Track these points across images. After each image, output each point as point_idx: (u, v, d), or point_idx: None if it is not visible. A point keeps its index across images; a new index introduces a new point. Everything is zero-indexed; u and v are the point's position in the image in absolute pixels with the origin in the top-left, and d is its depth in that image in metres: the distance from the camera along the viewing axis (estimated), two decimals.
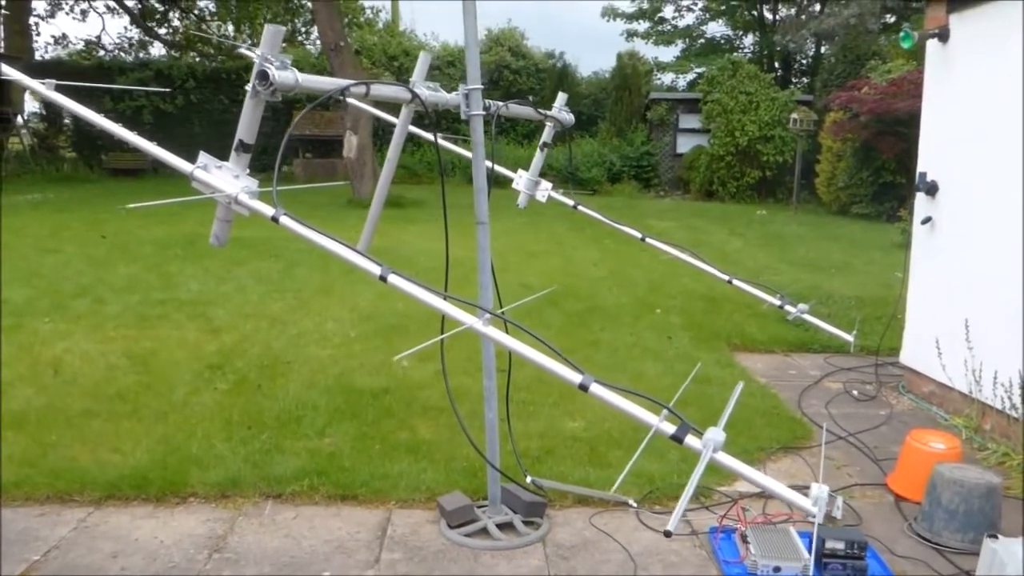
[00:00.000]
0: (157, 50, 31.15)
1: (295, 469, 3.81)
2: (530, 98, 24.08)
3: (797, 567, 3.01)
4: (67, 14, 31.22)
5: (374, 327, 5.94)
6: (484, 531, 3.36)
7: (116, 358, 5.11)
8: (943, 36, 4.98)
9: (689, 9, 25.63)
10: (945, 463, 3.51)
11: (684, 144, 20.42)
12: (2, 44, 25.05)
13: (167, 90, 22.24)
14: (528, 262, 8.79)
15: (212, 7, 31.51)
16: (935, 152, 5.19)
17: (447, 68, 24.21)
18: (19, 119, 24.54)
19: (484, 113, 3.20)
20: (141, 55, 29.39)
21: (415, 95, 2.81)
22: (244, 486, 3.69)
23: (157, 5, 31.29)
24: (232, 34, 33.51)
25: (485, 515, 3.43)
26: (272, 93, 2.20)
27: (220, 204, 2.34)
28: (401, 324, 6.01)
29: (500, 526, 3.40)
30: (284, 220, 2.20)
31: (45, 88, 2.49)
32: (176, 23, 32.12)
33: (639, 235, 4.25)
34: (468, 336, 5.64)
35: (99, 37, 31.16)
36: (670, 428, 1.95)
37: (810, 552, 3.09)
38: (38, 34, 30.29)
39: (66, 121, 24.98)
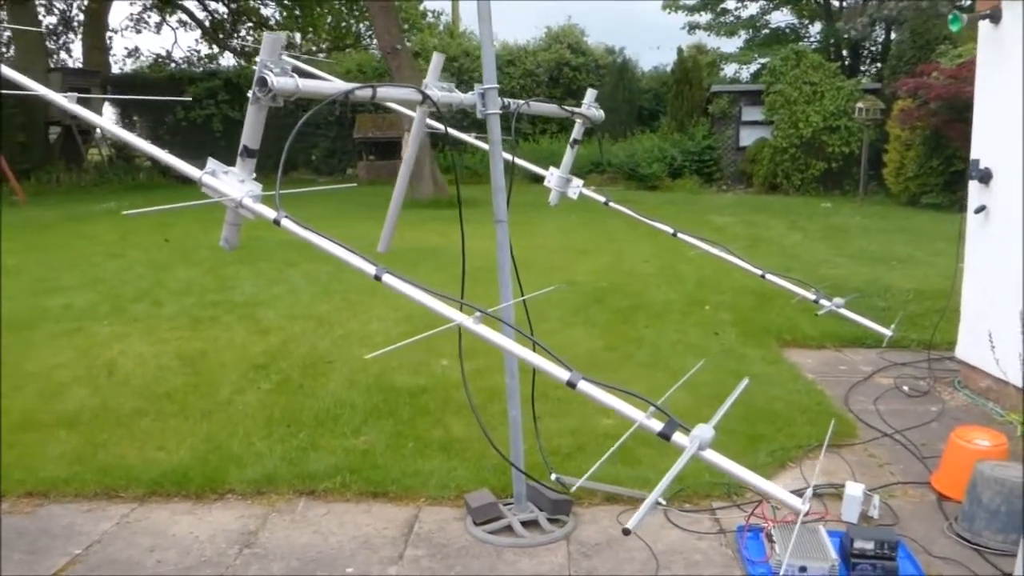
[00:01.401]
0: (227, 60, 32.14)
1: (329, 467, 3.89)
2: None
3: (824, 567, 2.94)
4: (139, 32, 32.53)
5: (415, 327, 5.94)
6: (509, 528, 3.37)
7: (168, 359, 5.29)
8: (995, 17, 4.78)
9: None
10: (988, 461, 3.37)
11: (747, 137, 20.03)
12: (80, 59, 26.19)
13: (188, 99, 22.85)
14: (577, 260, 8.77)
15: (279, 16, 32.32)
16: (989, 138, 4.99)
17: (506, 67, 24.29)
18: (98, 131, 25.58)
19: (500, 112, 3.21)
20: (212, 65, 30.37)
21: (426, 96, 2.83)
22: (279, 483, 3.78)
23: (226, 17, 32.30)
24: (299, 42, 34.35)
25: (511, 512, 3.44)
26: (272, 99, 2.25)
27: (228, 208, 2.40)
28: (440, 323, 6.07)
29: (526, 523, 3.40)
30: (285, 223, 2.25)
31: (67, 100, 2.59)
32: (244, 33, 33.09)
33: (670, 230, 4.19)
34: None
35: (170, 50, 32.32)
36: (657, 425, 1.93)
37: (838, 552, 3.01)
38: (113, 51, 31.41)
39: (140, 132, 25.89)
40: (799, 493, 3.68)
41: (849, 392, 5.07)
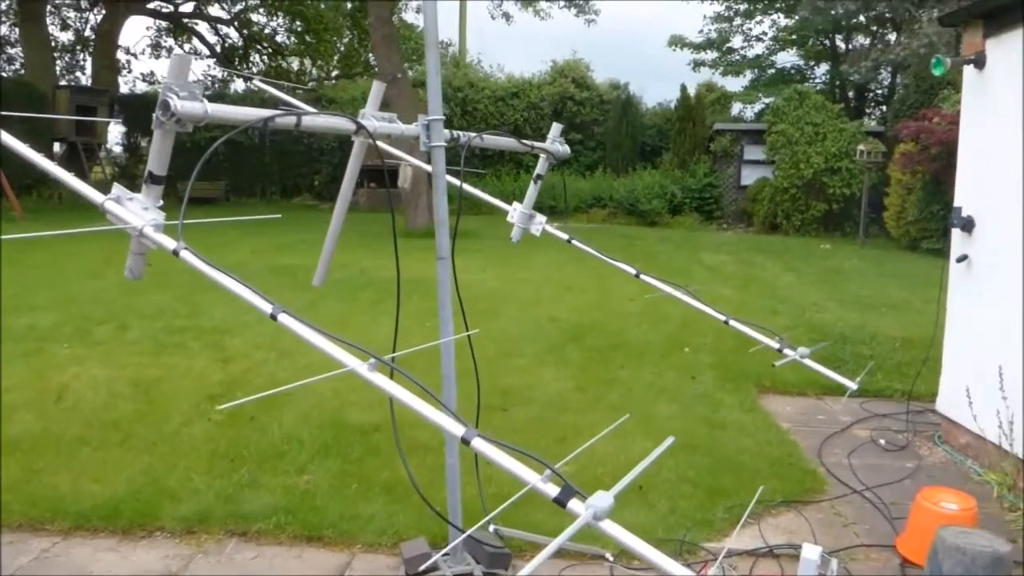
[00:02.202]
0: (239, 84, 32.37)
1: (265, 506, 3.72)
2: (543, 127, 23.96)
3: None
4: (157, 56, 32.85)
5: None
6: None
7: (122, 386, 5.14)
8: (979, 62, 4.66)
9: (759, 39, 25.24)
10: (952, 527, 3.18)
11: (749, 176, 19.94)
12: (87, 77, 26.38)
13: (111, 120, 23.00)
14: (562, 296, 8.61)
15: (290, 43, 32.59)
16: (972, 185, 4.86)
17: (511, 99, 24.34)
18: (102, 149, 25.70)
19: (445, 144, 3.08)
20: (225, 90, 30.58)
21: (360, 126, 2.70)
22: (212, 522, 3.61)
23: (238, 44, 32.58)
24: (310, 69, 34.62)
25: (446, 564, 3.26)
26: (177, 123, 2.12)
27: (132, 237, 2.27)
28: (406, 360, 5.91)
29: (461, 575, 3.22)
30: (184, 254, 2.11)
31: None
32: (256, 60, 33.35)
33: (633, 271, 4.03)
34: (466, 374, 5.48)
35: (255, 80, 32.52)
36: (553, 490, 1.76)
37: None
38: (129, 71, 31.76)
39: (144, 151, 25.99)
40: (755, 553, 3.50)
41: (823, 444, 4.88)
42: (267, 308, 2.06)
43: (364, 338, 6.67)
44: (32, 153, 2.37)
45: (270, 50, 32.75)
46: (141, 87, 32.20)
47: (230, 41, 32.31)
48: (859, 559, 3.50)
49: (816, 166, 17.33)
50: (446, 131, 3.19)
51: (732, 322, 3.90)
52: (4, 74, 28.28)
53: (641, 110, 24.25)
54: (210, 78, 32.61)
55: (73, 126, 23.61)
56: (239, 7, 30.18)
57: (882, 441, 4.96)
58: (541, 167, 4.20)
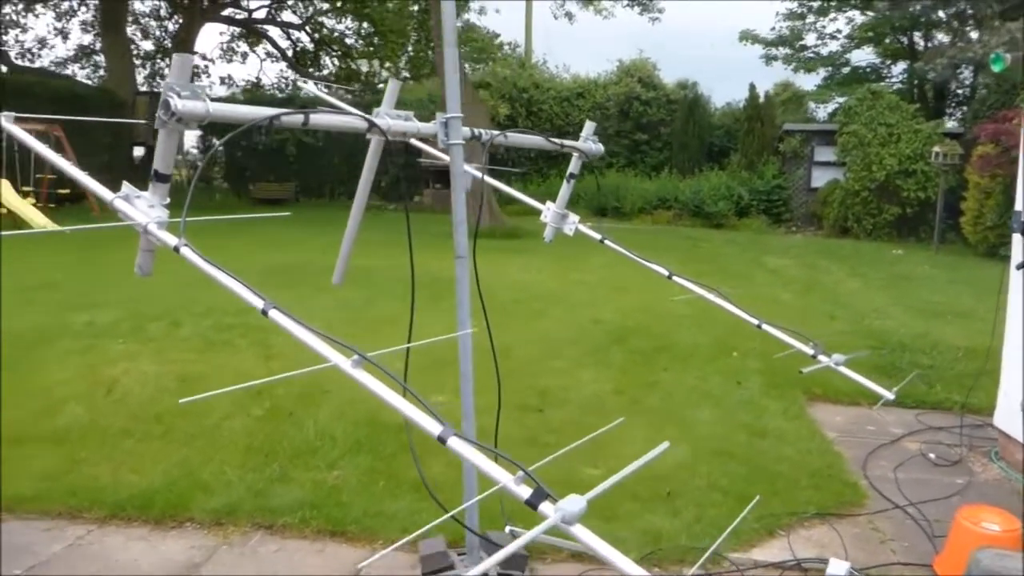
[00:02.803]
0: (310, 87, 33.01)
1: (293, 501, 3.77)
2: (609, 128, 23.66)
3: None
4: (230, 61, 33.85)
5: (425, 360, 5.86)
6: None
7: (169, 380, 5.29)
8: None
9: (833, 37, 24.57)
10: (990, 548, 3.02)
11: (819, 178, 19.43)
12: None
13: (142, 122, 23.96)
14: (612, 297, 8.52)
15: (359, 46, 33.12)
16: None
17: (576, 99, 24.26)
18: (178, 153, 26.55)
19: (463, 143, 3.07)
20: (296, 93, 31.26)
21: (372, 124, 2.71)
22: (240, 515, 3.68)
23: (309, 47, 33.28)
24: (379, 71, 35.14)
25: (461, 564, 3.25)
26: (178, 122, 2.16)
27: (140, 235, 2.32)
28: (450, 359, 5.91)
29: None
30: (184, 251, 2.15)
31: (4, 120, 2.56)
32: (326, 62, 34.02)
33: (666, 272, 3.95)
34: (515, 375, 5.49)
35: (258, 78, 33.47)
36: (525, 492, 1.72)
37: None
38: (208, 75, 32.72)
39: (219, 154, 26.78)
40: (782, 566, 3.39)
41: (870, 456, 4.70)
42: (259, 304, 2.08)
43: (414, 334, 6.73)
44: (42, 148, 2.45)
45: (340, 53, 33.34)
46: (218, 92, 33.21)
47: (302, 45, 33.02)
48: None
49: (889, 168, 16.77)
50: (466, 129, 3.18)
51: (765, 326, 3.79)
52: (90, 81, 29.53)
53: (709, 110, 23.90)
54: (283, 80, 33.50)
55: (151, 130, 24.43)
56: (310, 11, 30.80)
57: (932, 455, 4.75)
58: (574, 166, 4.16)
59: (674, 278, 4.02)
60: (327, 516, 3.66)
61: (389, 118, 2.88)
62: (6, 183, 14.69)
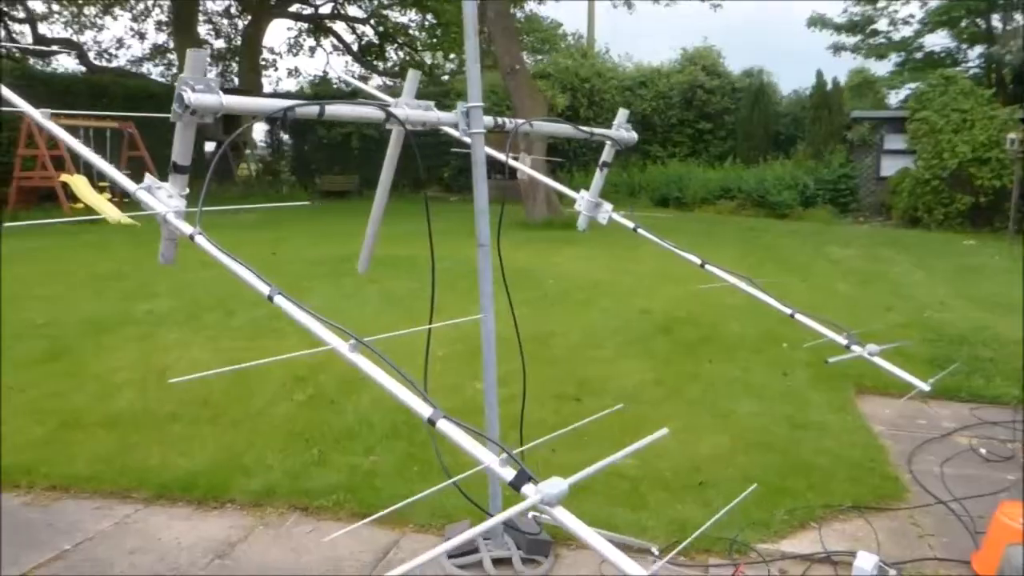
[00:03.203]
0: (377, 80, 33.52)
1: (329, 484, 3.87)
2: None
3: None
4: (295, 55, 34.53)
5: (465, 348, 5.93)
6: (481, 564, 3.23)
7: (218, 367, 5.45)
8: None
9: (906, 22, 23.74)
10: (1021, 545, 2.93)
11: (889, 167, 18.85)
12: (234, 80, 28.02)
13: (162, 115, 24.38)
14: (662, 287, 8.43)
15: (423, 38, 33.41)
16: None
17: (639, 88, 24.03)
18: (247, 147, 27.25)
19: (485, 132, 3.10)
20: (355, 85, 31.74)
21: (389, 114, 2.76)
22: (277, 497, 3.80)
23: (374, 40, 33.70)
24: (443, 62, 35.41)
25: (486, 548, 3.30)
26: (192, 115, 2.24)
27: (161, 224, 2.41)
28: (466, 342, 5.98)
29: (500, 561, 3.25)
30: (199, 240, 2.24)
31: (41, 116, 2.69)
32: (391, 55, 34.43)
33: (698, 261, 3.92)
34: (555, 363, 5.52)
35: (325, 71, 34.11)
36: (509, 474, 1.75)
37: None
38: (276, 68, 33.53)
39: (286, 148, 27.43)
40: (811, 558, 3.34)
41: (916, 450, 4.58)
42: (265, 290, 2.16)
43: (453, 325, 6.81)
44: (74, 141, 2.57)
45: (404, 45, 33.69)
46: (285, 85, 33.95)
47: (367, 38, 33.47)
48: (927, 573, 3.27)
49: (962, 156, 16.17)
50: (488, 118, 3.21)
51: (798, 315, 3.74)
52: (164, 79, 30.49)
53: (775, 98, 23.40)
54: (350, 73, 34.02)
55: (221, 126, 25.17)
56: (374, 4, 31.17)
57: (983, 450, 4.60)
58: (607, 154, 4.16)
59: (706, 267, 3.99)
60: (361, 499, 3.75)
61: (408, 108, 2.92)
62: (83, 178, 15.30)
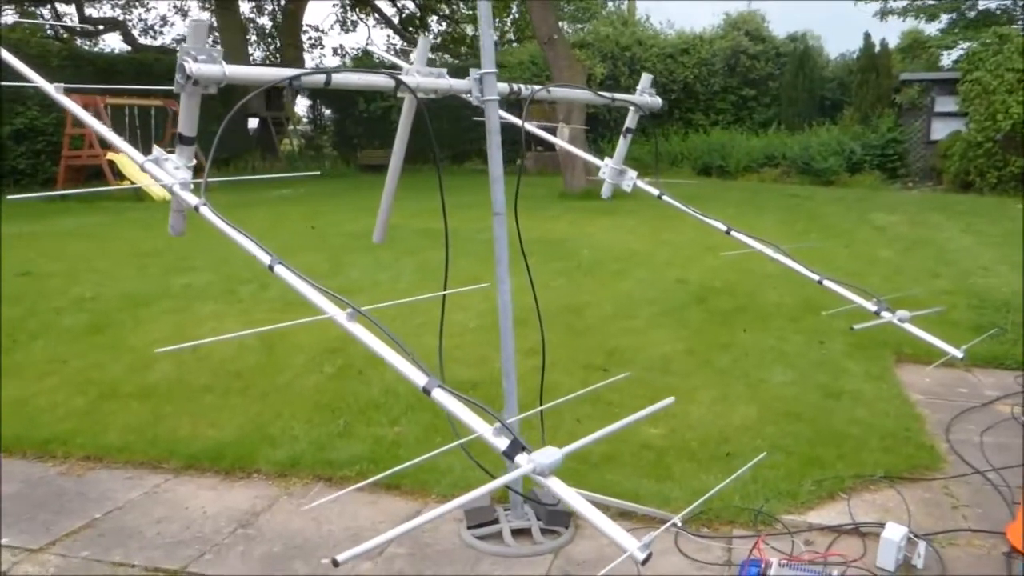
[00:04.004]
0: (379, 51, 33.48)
1: (353, 455, 3.89)
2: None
3: None
4: (345, 31, 34.59)
5: (496, 320, 5.91)
6: (500, 535, 3.22)
7: (250, 339, 5.52)
8: None
9: None
10: None
11: (940, 130, 18.25)
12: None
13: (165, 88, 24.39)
14: (701, 257, 8.29)
15: (464, 10, 33.18)
16: None
17: (680, 56, 23.58)
18: (290, 123, 27.48)
19: (498, 98, 3.04)
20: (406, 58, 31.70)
21: (399, 82, 2.71)
22: (302, 467, 3.84)
23: (416, 13, 33.58)
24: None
25: (506, 519, 3.29)
26: (195, 85, 2.23)
27: (172, 196, 2.42)
28: (524, 318, 5.91)
29: (519, 532, 3.24)
30: (203, 210, 2.23)
31: (54, 90, 2.70)
32: (433, 27, 34.27)
33: (724, 227, 3.83)
34: (585, 334, 5.46)
35: (367, 46, 34.12)
36: (503, 444, 1.72)
37: None
38: (322, 46, 33.57)
39: (328, 123, 27.57)
40: (839, 529, 3.27)
41: (955, 419, 4.45)
42: (266, 259, 2.15)
43: (485, 295, 6.80)
44: (86, 115, 2.57)
45: (445, 17, 33.53)
46: (330, 63, 34.09)
47: (408, 11, 33.37)
48: (959, 544, 3.18)
49: (1016, 117, 15.57)
50: (503, 84, 3.15)
51: (826, 282, 3.65)
52: None
53: (821, 62, 22.78)
54: (391, 47, 34.01)
55: (264, 102, 25.38)
56: None
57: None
58: (630, 120, 4.08)
59: (732, 233, 3.89)
60: (384, 470, 3.72)
61: (419, 75, 2.88)
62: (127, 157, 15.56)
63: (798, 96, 21.28)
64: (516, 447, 1.69)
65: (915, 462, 3.83)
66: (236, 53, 25.15)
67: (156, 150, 2.41)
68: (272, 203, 14.81)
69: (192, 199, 2.27)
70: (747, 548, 3.11)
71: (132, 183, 14.91)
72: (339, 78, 2.57)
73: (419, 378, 1.87)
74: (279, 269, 2.11)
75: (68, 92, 2.71)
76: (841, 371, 5.07)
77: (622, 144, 4.09)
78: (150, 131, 18.04)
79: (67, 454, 4.06)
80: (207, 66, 2.23)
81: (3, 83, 2.78)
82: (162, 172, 2.34)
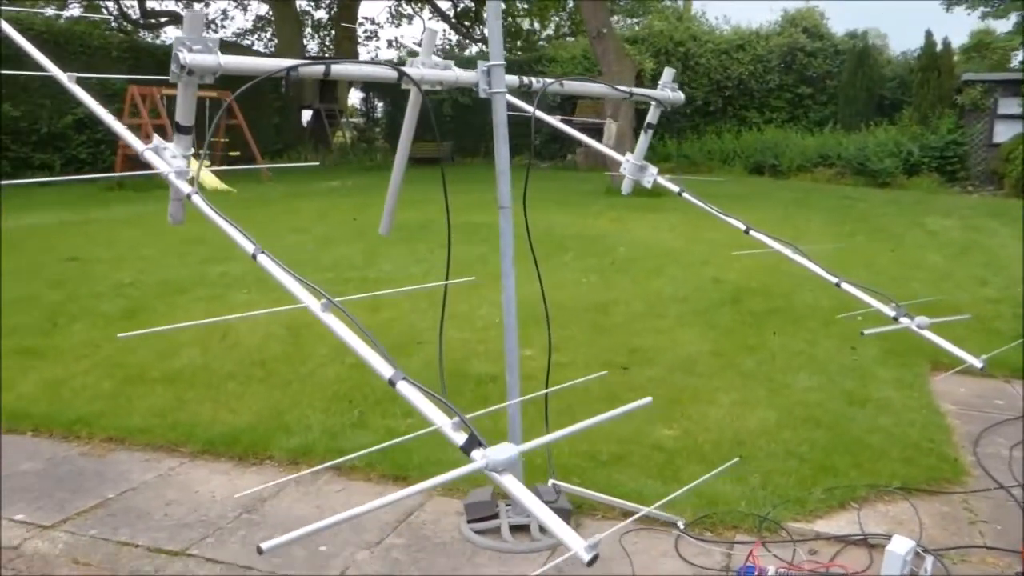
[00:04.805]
0: (474, 48, 33.63)
1: (363, 445, 3.89)
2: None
3: None
4: (399, 25, 34.89)
5: (522, 315, 5.89)
6: (499, 530, 3.21)
7: (277, 329, 5.61)
8: None
9: None
10: None
11: (1003, 132, 17.64)
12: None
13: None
14: (739, 258, 8.14)
15: (520, 4, 33.17)
16: None
17: (736, 52, 23.21)
18: (343, 115, 27.81)
19: (506, 91, 3.01)
20: (464, 53, 31.94)
21: (402, 73, 2.71)
22: (313, 455, 3.87)
23: (471, 7, 33.66)
24: (536, 28, 35.18)
25: (506, 514, 3.27)
26: (190, 75, 2.26)
27: (170, 185, 2.45)
28: (540, 315, 5.88)
29: (518, 528, 3.22)
30: (195, 199, 2.27)
31: (67, 79, 2.75)
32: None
33: (743, 227, 3.75)
34: (610, 332, 5.40)
35: (420, 40, 34.36)
36: (461, 438, 1.71)
37: None
38: (377, 38, 33.94)
39: (379, 115, 27.83)
40: (847, 539, 3.18)
41: (986, 431, 4.29)
42: (249, 248, 2.17)
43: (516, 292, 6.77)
44: (95, 104, 2.62)
45: (504, 13, 33.56)
46: (385, 56, 34.41)
47: (463, 5, 33.48)
48: (972, 560, 3.06)
49: None
50: (513, 77, 3.12)
51: (844, 284, 3.56)
52: (266, 50, 31.36)
53: (882, 61, 22.19)
54: (446, 41, 34.21)
55: (317, 94, 25.76)
56: None
57: None
58: (652, 115, 4.01)
59: (751, 232, 3.82)
60: (392, 461, 3.78)
61: (424, 67, 2.87)
62: None
63: (856, 95, 20.77)
64: (473, 442, 1.68)
65: (936, 474, 3.70)
66: (291, 46, 25.56)
67: (156, 139, 2.44)
68: (322, 195, 15.00)
69: (186, 187, 2.30)
70: (747, 554, 3.05)
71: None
72: (339, 69, 2.58)
73: (386, 370, 1.87)
74: (261, 258, 2.13)
75: (129, 83, 2.76)
76: (870, 378, 4.93)
77: (643, 139, 4.02)
78: (205, 121, 18.41)
79: (91, 435, 4.17)
80: (202, 56, 2.25)
81: (16, 72, 2.85)
82: (160, 161, 2.38)
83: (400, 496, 1.54)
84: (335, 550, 3.09)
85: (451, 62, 2.97)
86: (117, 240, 9.50)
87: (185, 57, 2.22)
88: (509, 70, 2.98)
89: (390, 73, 2.72)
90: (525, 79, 3.21)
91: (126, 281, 7.12)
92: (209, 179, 15.36)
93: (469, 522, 3.26)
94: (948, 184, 17.78)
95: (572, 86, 3.45)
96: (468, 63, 3.19)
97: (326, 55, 31.49)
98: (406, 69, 2.76)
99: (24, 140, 17.28)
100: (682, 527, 3.24)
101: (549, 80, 3.30)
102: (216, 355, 5.16)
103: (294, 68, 2.45)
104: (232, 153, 18.61)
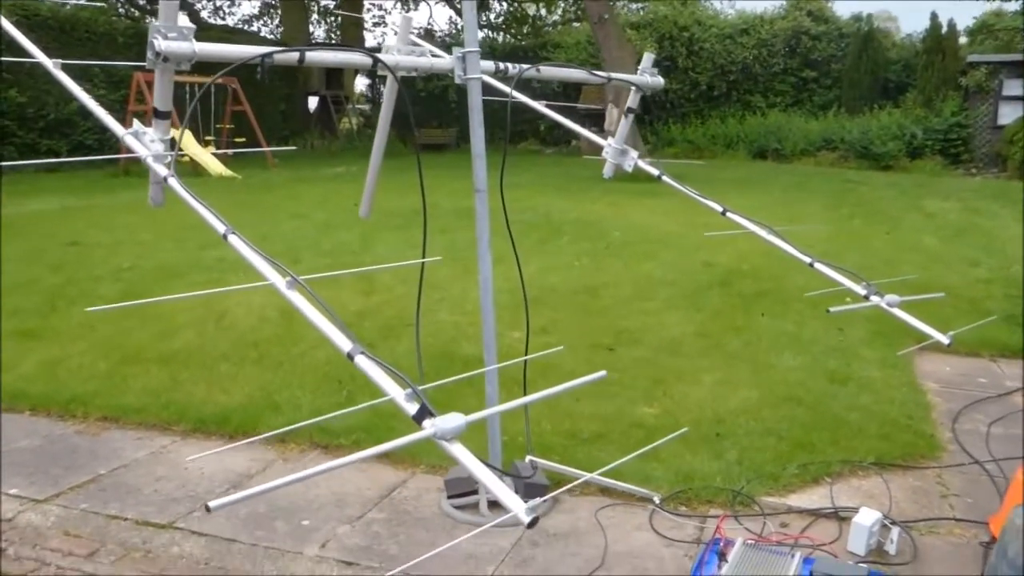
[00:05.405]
0: (483, 33, 33.47)
1: (349, 425, 4.00)
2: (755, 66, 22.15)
3: None
4: (408, 10, 34.75)
5: (512, 299, 5.95)
6: (478, 505, 3.30)
7: (271, 311, 5.69)
8: None
9: None
10: None
11: (1008, 114, 17.55)
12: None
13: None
14: (733, 240, 8.17)
15: None
16: None
17: (739, 36, 23.13)
18: (349, 102, 27.84)
19: (481, 77, 3.07)
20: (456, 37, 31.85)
21: (376, 60, 2.77)
22: (301, 435, 3.96)
23: None
24: (544, 15, 35.05)
25: (485, 490, 3.36)
26: (164, 62, 2.32)
27: (150, 168, 2.52)
28: (542, 297, 5.95)
29: (496, 504, 3.30)
30: (171, 182, 2.33)
31: (52, 65, 2.82)
32: (495, 6, 34.23)
33: (720, 209, 3.81)
34: (597, 314, 5.48)
35: (430, 24, 34.32)
36: (412, 408, 1.79)
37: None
38: (384, 24, 33.78)
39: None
40: (817, 513, 3.26)
41: (965, 408, 4.35)
42: (221, 228, 2.24)
43: (502, 274, 6.85)
44: (78, 90, 2.69)
45: None
46: (392, 39, 34.29)
47: None
48: (940, 533, 3.14)
49: None
50: (488, 63, 3.18)
51: (817, 264, 3.62)
52: (272, 36, 31.38)
53: (887, 44, 22.07)
54: (453, 26, 34.12)
55: (323, 81, 25.78)
56: None
57: None
58: (632, 100, 4.06)
59: (728, 214, 3.88)
60: (378, 439, 3.85)
61: (399, 54, 2.93)
62: (187, 133, 15.98)
63: (860, 78, 20.69)
64: (424, 412, 1.75)
65: (911, 450, 3.77)
66: (297, 31, 25.55)
67: (136, 124, 2.51)
68: (326, 180, 15.08)
69: (162, 170, 2.36)
70: (727, 529, 3.12)
71: (191, 159, 15.33)
72: (313, 56, 2.64)
73: (344, 344, 1.94)
74: (232, 238, 2.20)
75: (135, 70, 2.83)
76: (854, 357, 4.99)
77: (623, 124, 4.08)
78: (210, 107, 18.47)
79: (86, 414, 4.27)
80: (176, 43, 2.32)
81: (5, 59, 2.92)
82: (139, 144, 2.45)
83: (337, 464, 1.61)
84: (317, 524, 3.18)
85: (426, 48, 3.03)
86: (117, 225, 9.59)
87: (160, 44, 2.29)
88: (514, 55, 3.05)
89: (365, 60, 2.78)
90: (501, 65, 3.26)
91: (125, 265, 7.22)
92: (215, 165, 15.44)
93: (449, 497, 3.34)
94: (952, 167, 17.73)
95: (549, 71, 3.49)
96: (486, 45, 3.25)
97: (334, 41, 31.52)
98: (380, 56, 2.81)
99: (31, 126, 17.38)
100: (657, 502, 3.32)
101: (525, 66, 3.35)
102: (211, 337, 5.26)
103: (268, 55, 2.51)
104: (238, 139, 18.67)
